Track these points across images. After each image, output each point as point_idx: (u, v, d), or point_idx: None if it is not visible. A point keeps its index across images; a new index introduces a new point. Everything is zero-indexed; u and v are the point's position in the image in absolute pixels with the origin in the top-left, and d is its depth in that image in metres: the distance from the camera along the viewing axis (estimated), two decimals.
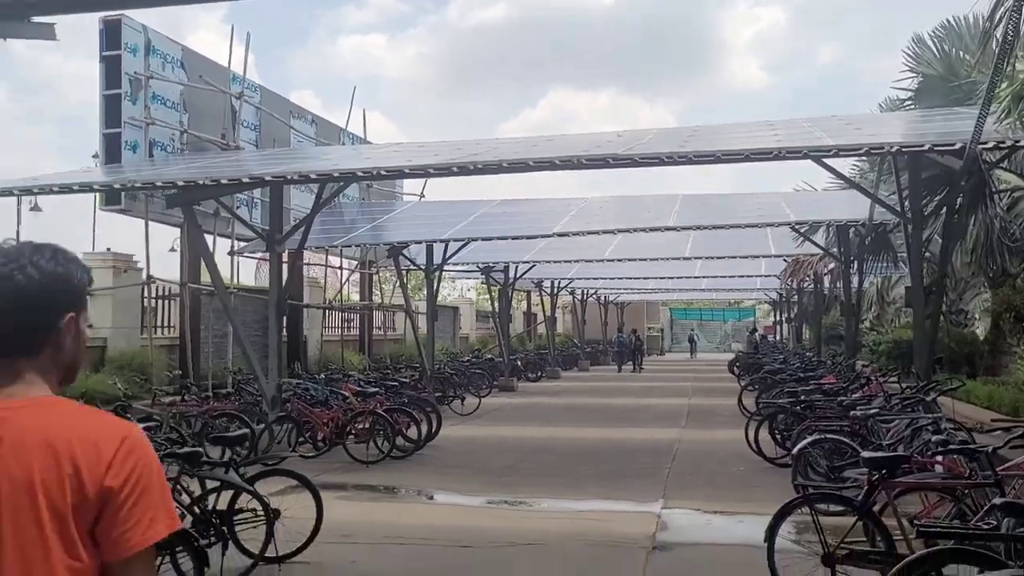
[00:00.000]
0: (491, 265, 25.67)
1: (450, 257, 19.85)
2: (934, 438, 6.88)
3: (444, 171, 10.47)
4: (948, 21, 16.17)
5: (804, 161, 9.43)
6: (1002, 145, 8.82)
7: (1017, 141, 8.64)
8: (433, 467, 11.88)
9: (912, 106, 16.72)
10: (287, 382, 13.46)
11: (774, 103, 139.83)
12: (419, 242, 19.10)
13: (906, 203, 12.07)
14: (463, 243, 19.16)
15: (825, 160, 11.15)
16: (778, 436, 11.77)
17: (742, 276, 31.90)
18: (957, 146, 8.68)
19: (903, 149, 8.91)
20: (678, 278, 32.52)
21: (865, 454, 5.60)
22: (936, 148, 8.82)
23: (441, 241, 18.29)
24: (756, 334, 39.58)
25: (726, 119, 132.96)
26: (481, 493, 10.20)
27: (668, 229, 16.63)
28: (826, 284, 24.23)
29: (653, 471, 11.37)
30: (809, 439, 8.66)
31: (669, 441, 14.18)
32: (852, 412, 9.03)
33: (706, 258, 23.46)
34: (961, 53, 15.86)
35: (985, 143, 8.48)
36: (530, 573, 7.02)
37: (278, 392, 12.88)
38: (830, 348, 25.67)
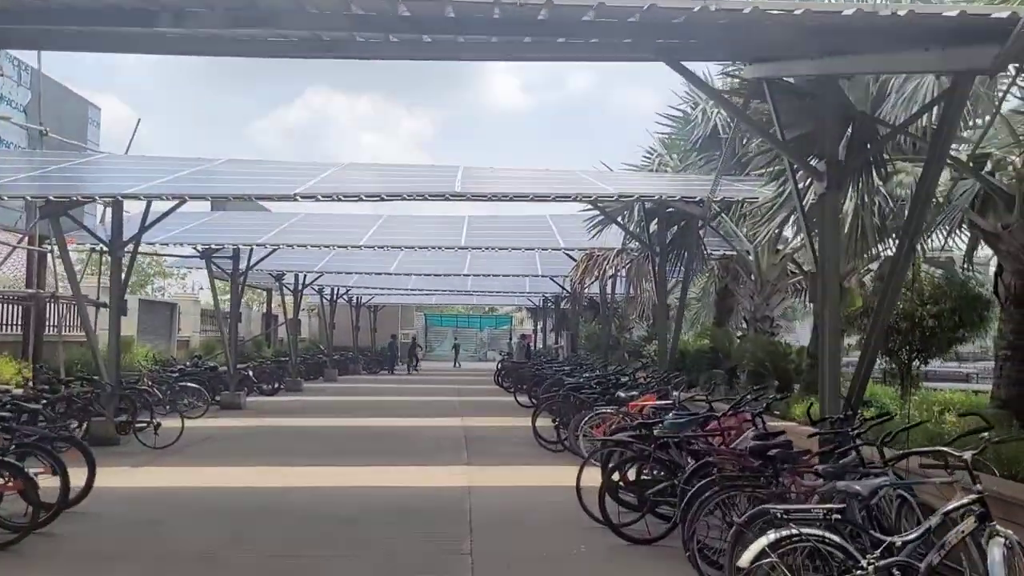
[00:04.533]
0: (213, 247, 19.76)
1: (149, 227, 14.05)
2: None
3: None
4: None
5: None
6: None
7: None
8: (68, 564, 6.75)
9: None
10: None
11: (532, 123, 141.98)
12: (104, 197, 13.14)
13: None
14: (177, 202, 13.45)
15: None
16: (622, 492, 7.88)
17: (516, 276, 28.43)
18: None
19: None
20: (444, 276, 28.48)
21: None
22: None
23: (147, 197, 12.62)
24: (525, 340, 36.49)
25: (485, 134, 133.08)
26: None
27: (454, 196, 12.32)
28: (619, 285, 21.03)
29: (448, 555, 7.03)
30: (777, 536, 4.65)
31: (455, 492, 9.83)
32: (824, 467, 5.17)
33: (486, 248, 19.54)
34: None
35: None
36: None
37: None
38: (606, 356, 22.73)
